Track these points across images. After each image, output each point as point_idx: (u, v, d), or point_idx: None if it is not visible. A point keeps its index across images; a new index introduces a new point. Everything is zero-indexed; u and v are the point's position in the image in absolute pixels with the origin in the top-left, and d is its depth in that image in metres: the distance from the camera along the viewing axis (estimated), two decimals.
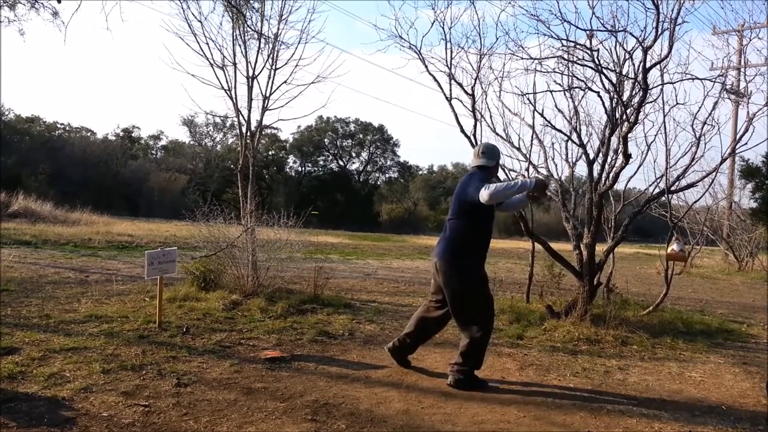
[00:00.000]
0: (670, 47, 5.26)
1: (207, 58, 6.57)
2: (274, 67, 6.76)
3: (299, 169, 48.10)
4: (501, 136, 6.66)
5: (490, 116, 6.56)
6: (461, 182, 3.95)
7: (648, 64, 5.28)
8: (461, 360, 3.75)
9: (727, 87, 6.41)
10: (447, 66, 6.17)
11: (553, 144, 6.87)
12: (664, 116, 5.79)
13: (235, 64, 6.70)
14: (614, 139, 6.01)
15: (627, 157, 5.56)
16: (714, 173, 6.34)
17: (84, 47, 74.67)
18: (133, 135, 45.21)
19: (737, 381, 4.30)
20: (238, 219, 6.86)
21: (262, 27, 6.79)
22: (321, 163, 48.83)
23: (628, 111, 5.61)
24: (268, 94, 6.77)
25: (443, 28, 6.20)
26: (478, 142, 6.14)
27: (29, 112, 41.63)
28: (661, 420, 3.31)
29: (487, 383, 3.79)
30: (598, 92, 5.97)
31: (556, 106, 6.95)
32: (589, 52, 5.64)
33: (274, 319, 5.39)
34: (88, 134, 41.74)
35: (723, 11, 33.01)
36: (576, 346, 5.01)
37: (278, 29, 6.81)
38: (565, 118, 6.51)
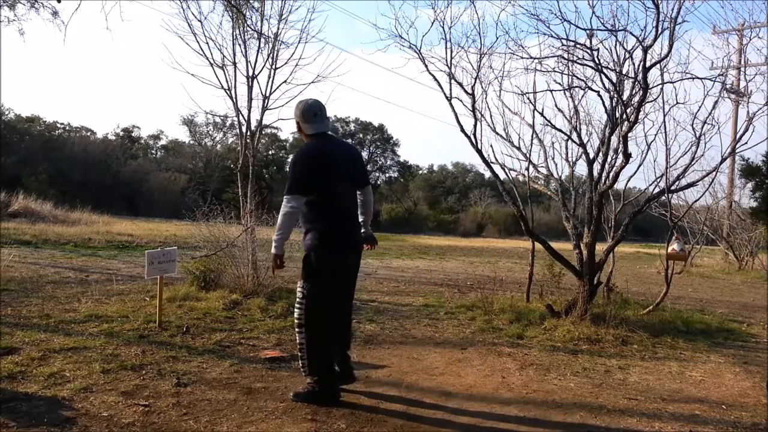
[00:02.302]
0: (670, 46, 5.25)
1: (207, 58, 6.58)
2: (274, 66, 6.77)
3: None
4: (501, 136, 6.67)
5: (490, 116, 6.57)
6: (355, 154, 3.66)
7: (648, 64, 5.27)
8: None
9: (727, 86, 6.41)
10: (447, 65, 6.17)
11: (553, 143, 6.88)
12: (664, 115, 5.79)
13: (235, 63, 6.71)
14: (614, 139, 6.01)
15: (627, 156, 5.56)
16: (714, 172, 6.34)
17: (84, 47, 74.65)
18: (133, 135, 45.18)
19: (738, 380, 4.29)
20: (238, 218, 6.86)
21: (262, 26, 6.80)
22: None
23: (628, 110, 5.61)
24: (268, 94, 6.77)
25: (443, 27, 6.20)
26: (478, 142, 6.14)
27: (29, 112, 41.56)
28: (661, 420, 3.31)
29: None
30: (598, 91, 5.98)
31: (556, 105, 6.95)
32: (589, 51, 5.63)
33: (274, 318, 5.39)
34: (88, 134, 41.73)
35: (723, 10, 32.97)
36: (576, 346, 5.00)
37: (278, 29, 6.82)
38: (565, 118, 6.52)
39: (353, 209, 3.43)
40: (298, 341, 3.26)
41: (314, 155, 3.24)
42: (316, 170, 3.17)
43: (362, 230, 3.52)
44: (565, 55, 5.96)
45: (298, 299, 3.25)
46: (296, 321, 3.24)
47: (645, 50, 5.25)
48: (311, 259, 3.21)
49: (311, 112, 3.29)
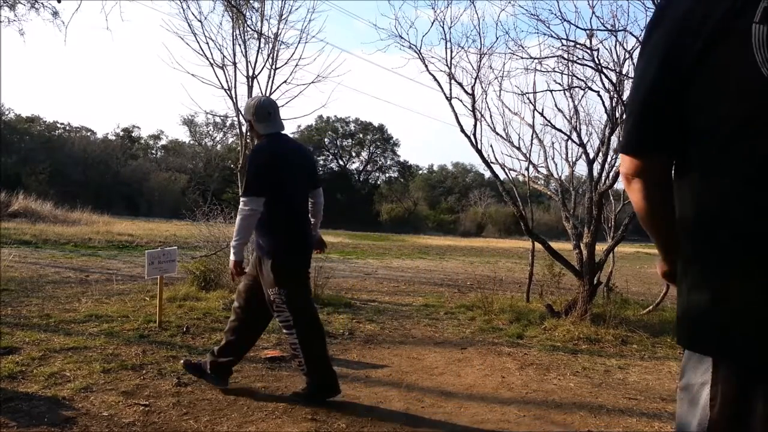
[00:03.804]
0: None
1: (207, 58, 6.59)
2: (274, 66, 6.77)
3: None
4: (501, 136, 6.68)
5: (490, 116, 6.60)
6: (308, 154, 3.57)
7: None
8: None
9: None
10: (447, 65, 6.19)
11: (553, 143, 6.92)
12: None
13: (235, 63, 6.71)
14: (614, 139, 6.02)
15: None
16: None
17: (84, 47, 74.72)
18: (133, 135, 45.23)
19: None
20: None
21: (262, 26, 6.81)
22: (321, 162, 48.88)
23: None
24: (268, 94, 6.77)
25: (443, 27, 6.22)
26: (478, 142, 6.14)
27: (29, 112, 41.75)
28: (661, 419, 3.31)
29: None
30: (598, 92, 5.99)
31: (556, 105, 7.05)
32: (589, 51, 5.65)
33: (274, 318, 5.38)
34: (88, 134, 41.79)
35: None
36: (576, 346, 5.01)
37: (278, 29, 6.83)
38: (565, 118, 6.53)
39: (306, 212, 3.38)
40: (290, 342, 3.23)
41: (268, 156, 3.14)
42: (270, 172, 3.08)
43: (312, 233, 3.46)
44: (565, 55, 5.98)
45: (276, 305, 3.15)
46: (282, 324, 3.20)
47: None
48: (279, 266, 3.12)
49: (265, 111, 3.17)
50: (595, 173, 6.05)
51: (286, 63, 6.81)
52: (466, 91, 6.19)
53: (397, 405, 3.29)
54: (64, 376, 3.39)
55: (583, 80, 6.11)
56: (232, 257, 3.16)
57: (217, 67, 6.63)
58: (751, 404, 0.90)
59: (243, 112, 3.28)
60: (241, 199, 3.07)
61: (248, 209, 3.03)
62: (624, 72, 5.79)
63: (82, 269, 8.31)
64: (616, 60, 5.89)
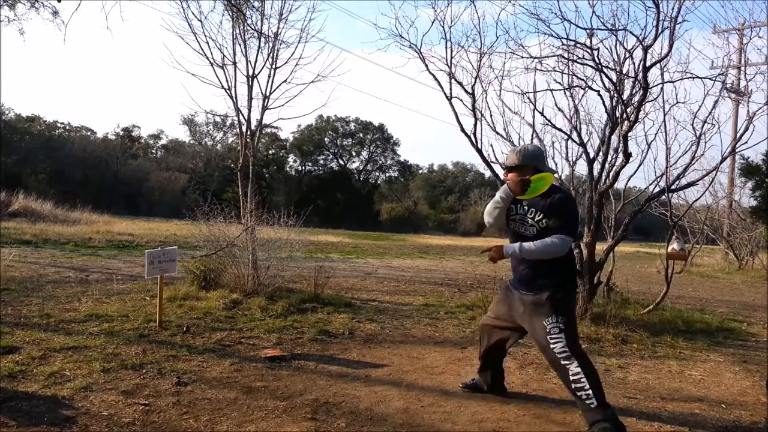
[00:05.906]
0: (671, 46, 5.25)
1: (207, 57, 6.58)
2: (274, 66, 6.77)
3: (299, 168, 48.20)
4: (501, 135, 6.67)
5: (491, 115, 6.56)
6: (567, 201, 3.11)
7: (648, 63, 5.27)
8: None
9: (728, 86, 6.41)
10: (447, 65, 6.18)
11: (553, 143, 6.88)
12: (665, 115, 5.79)
13: (235, 63, 6.70)
14: (614, 138, 6.00)
15: (627, 155, 5.56)
16: (714, 172, 6.33)
17: (84, 47, 74.73)
18: (133, 134, 45.24)
19: (737, 379, 4.30)
20: (238, 218, 6.86)
21: (262, 26, 6.80)
22: (321, 162, 48.95)
23: (628, 110, 5.60)
24: (268, 93, 6.77)
25: (443, 27, 6.21)
26: (479, 141, 6.14)
27: (29, 112, 41.67)
28: (661, 418, 3.31)
29: None
30: (598, 91, 5.97)
31: (556, 104, 6.97)
32: (589, 50, 5.63)
33: (274, 318, 5.39)
34: (89, 133, 41.85)
35: (723, 10, 32.92)
36: None
37: (278, 28, 6.82)
38: (566, 117, 6.51)
39: None
40: (572, 373, 2.93)
41: None
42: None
43: None
44: (566, 55, 5.96)
45: (554, 334, 2.98)
46: (561, 354, 2.95)
47: (645, 50, 5.25)
48: (565, 295, 3.11)
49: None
50: (596, 173, 6.04)
51: (286, 62, 6.81)
52: (466, 91, 6.19)
53: (397, 404, 3.29)
54: (64, 376, 3.40)
55: (583, 79, 6.10)
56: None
57: (217, 66, 6.63)
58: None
59: (528, 160, 3.06)
60: (564, 237, 2.97)
61: (566, 248, 3.02)
62: (624, 71, 5.78)
63: (82, 269, 8.31)
64: (616, 59, 5.87)
